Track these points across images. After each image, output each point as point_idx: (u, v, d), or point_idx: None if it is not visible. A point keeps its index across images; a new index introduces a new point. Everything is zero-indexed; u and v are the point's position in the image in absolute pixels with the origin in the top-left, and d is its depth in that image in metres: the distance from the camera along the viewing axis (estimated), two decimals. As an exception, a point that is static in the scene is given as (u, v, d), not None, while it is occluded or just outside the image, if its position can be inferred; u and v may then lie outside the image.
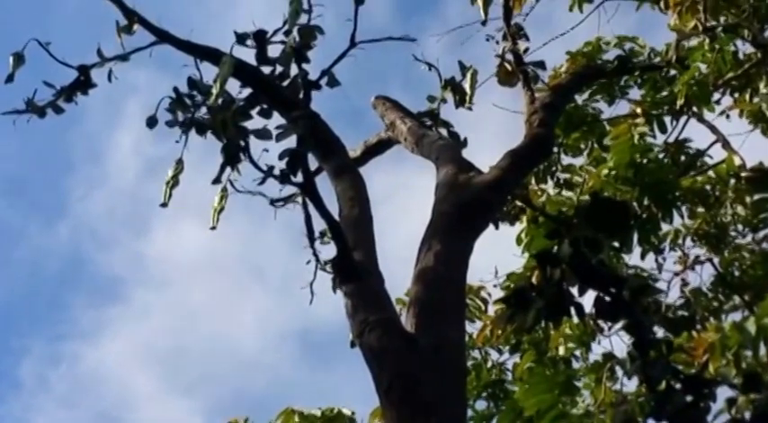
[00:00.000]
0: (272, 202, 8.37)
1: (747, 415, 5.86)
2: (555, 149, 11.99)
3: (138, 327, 27.96)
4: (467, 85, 10.35)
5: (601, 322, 7.75)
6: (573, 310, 6.26)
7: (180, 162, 8.18)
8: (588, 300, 6.27)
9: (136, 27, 8.52)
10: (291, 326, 27.08)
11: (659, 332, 6.29)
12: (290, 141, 6.99)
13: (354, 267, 7.15)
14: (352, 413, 12.33)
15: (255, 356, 26.21)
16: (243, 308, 26.48)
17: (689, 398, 6.08)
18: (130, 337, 27.85)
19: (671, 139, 12.51)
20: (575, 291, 6.25)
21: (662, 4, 12.58)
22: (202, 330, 26.69)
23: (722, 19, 12.29)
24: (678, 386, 6.09)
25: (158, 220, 27.10)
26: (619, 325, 6.28)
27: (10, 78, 8.62)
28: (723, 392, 6.58)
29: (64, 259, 27.50)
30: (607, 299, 6.23)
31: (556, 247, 6.29)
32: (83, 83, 8.63)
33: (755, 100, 12.65)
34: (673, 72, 12.11)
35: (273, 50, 7.86)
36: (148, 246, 27.22)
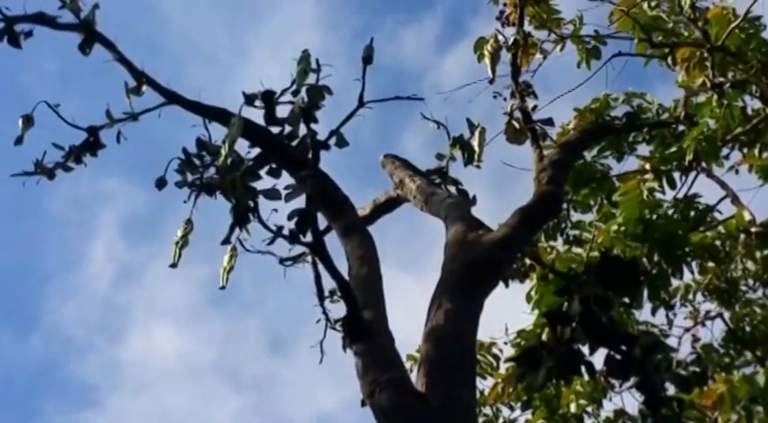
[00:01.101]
0: (282, 261, 8.38)
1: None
2: (564, 206, 12.00)
3: (113, 432, 27.82)
4: (475, 143, 10.37)
5: (612, 380, 7.70)
6: (584, 369, 6.24)
7: (189, 222, 8.16)
8: (599, 357, 6.26)
9: (144, 88, 8.57)
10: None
11: (671, 389, 6.28)
12: (300, 201, 7.00)
13: (364, 327, 7.12)
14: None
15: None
16: (218, 411, 26.45)
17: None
18: (105, 442, 27.68)
19: (680, 195, 12.52)
20: (585, 349, 6.23)
21: (670, 61, 12.65)
22: (178, 435, 26.67)
23: (730, 75, 12.34)
24: (691, 444, 6.07)
25: (133, 326, 27.16)
26: (630, 383, 6.25)
27: (19, 141, 8.66)
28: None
29: (37, 368, 27.34)
30: (618, 357, 6.21)
31: (566, 305, 6.28)
32: (92, 144, 8.67)
33: (764, 155, 12.69)
34: (681, 128, 12.13)
35: (282, 110, 7.90)
36: (123, 351, 27.31)
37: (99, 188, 25.28)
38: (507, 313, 12.69)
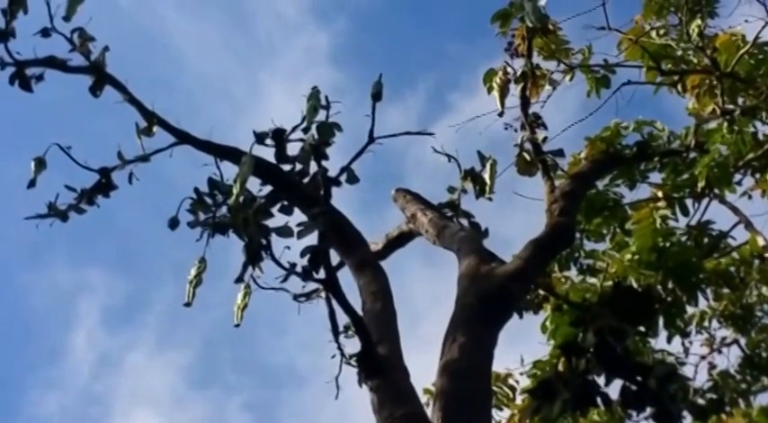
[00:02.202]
0: (296, 297, 8.38)
1: None
2: (577, 236, 11.98)
3: None
4: (486, 175, 10.38)
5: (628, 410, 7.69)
6: (599, 400, 6.24)
7: (203, 261, 8.18)
8: (615, 388, 6.26)
9: (155, 129, 8.62)
10: None
11: (688, 418, 6.27)
12: (312, 238, 7.02)
13: (379, 362, 7.14)
14: None
15: None
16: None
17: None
18: None
19: (693, 222, 12.49)
20: (600, 380, 6.23)
21: (679, 88, 12.66)
22: None
23: (740, 101, 12.33)
24: (709, 473, 6.05)
25: (114, 415, 27.10)
26: (646, 413, 6.25)
27: (32, 184, 8.70)
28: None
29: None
30: (633, 387, 6.22)
31: (580, 336, 6.29)
32: (104, 185, 8.71)
33: (777, 180, 12.67)
34: (693, 154, 12.11)
35: (293, 147, 7.93)
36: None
37: (79, 279, 25.61)
38: (523, 343, 12.68)
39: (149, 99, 8.78)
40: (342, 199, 7.89)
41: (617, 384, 6.23)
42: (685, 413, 6.26)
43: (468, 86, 11.72)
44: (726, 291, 12.74)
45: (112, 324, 25.71)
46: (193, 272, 8.16)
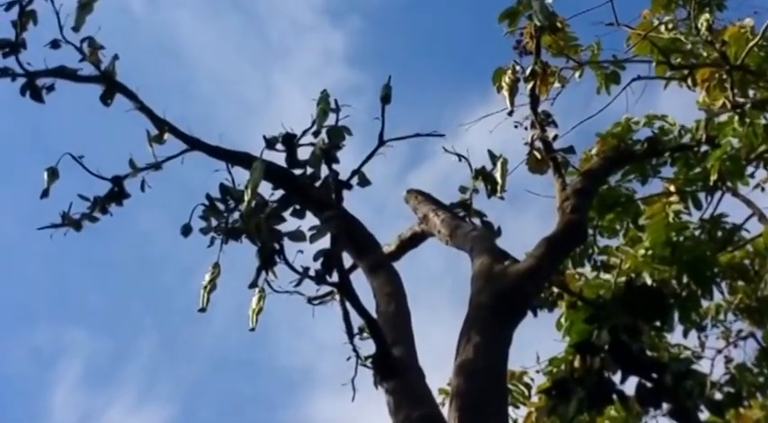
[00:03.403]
0: (310, 300, 8.41)
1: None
2: (590, 232, 11.99)
3: None
4: (497, 174, 10.38)
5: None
6: (615, 398, 6.24)
7: (216, 266, 8.20)
8: (631, 385, 6.26)
9: (167, 136, 8.65)
10: None
11: (705, 413, 6.27)
12: (325, 241, 7.04)
13: (394, 364, 7.15)
14: None
15: None
16: None
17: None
18: None
19: (706, 216, 12.51)
20: (616, 378, 6.24)
21: (690, 82, 12.65)
22: None
23: (750, 93, 12.32)
24: (727, 468, 6.05)
25: None
26: (663, 410, 6.25)
27: (45, 194, 8.73)
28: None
29: None
30: (649, 385, 6.22)
31: (595, 334, 6.29)
32: (117, 194, 8.75)
33: (789, 172, 12.66)
34: (705, 148, 12.11)
35: (304, 151, 7.95)
36: None
37: (61, 339, 25.70)
38: (539, 341, 12.69)
39: (164, 105, 8.82)
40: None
41: (633, 381, 6.24)
42: (702, 408, 6.26)
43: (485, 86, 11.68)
44: (741, 284, 12.73)
45: (92, 382, 25.76)
46: (207, 277, 8.17)
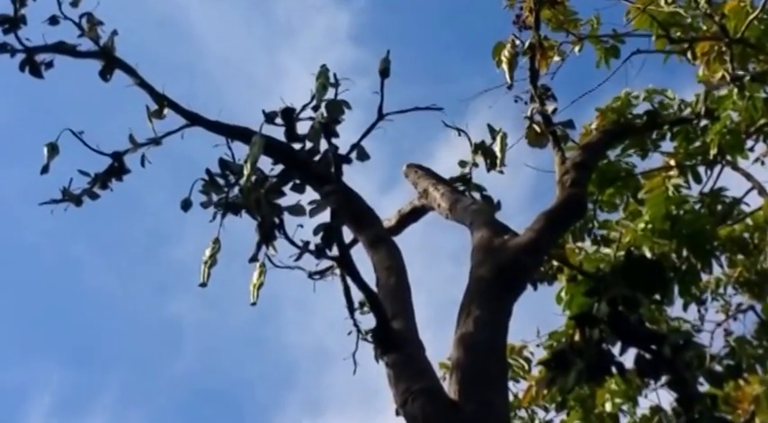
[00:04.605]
0: (311, 275, 8.42)
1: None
2: (590, 206, 12.01)
3: None
4: (497, 149, 10.38)
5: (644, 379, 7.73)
6: (614, 370, 6.27)
7: (217, 241, 8.22)
8: (630, 357, 6.29)
9: (166, 111, 8.65)
10: None
11: (704, 385, 6.29)
12: (324, 215, 7.06)
13: (394, 337, 7.18)
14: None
15: None
16: None
17: (737, 450, 6.06)
18: None
19: (706, 189, 12.53)
20: (615, 349, 6.26)
21: (689, 56, 12.64)
22: None
23: (751, 66, 12.31)
24: (726, 439, 6.07)
25: None
26: (662, 381, 6.27)
27: (45, 169, 8.74)
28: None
29: None
30: (648, 356, 6.24)
31: (595, 306, 6.31)
32: (117, 169, 8.76)
33: (789, 145, 12.66)
34: (704, 122, 12.11)
35: (303, 126, 7.96)
36: None
37: (30, 374, 25.70)
38: (539, 315, 12.72)
39: (169, 84, 8.83)
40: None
41: (632, 353, 6.27)
42: (701, 380, 6.28)
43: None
44: (740, 257, 12.75)
45: (62, 416, 25.81)
46: (208, 252, 8.20)
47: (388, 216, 10.03)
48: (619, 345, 6.23)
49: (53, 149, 8.69)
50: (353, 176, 8.31)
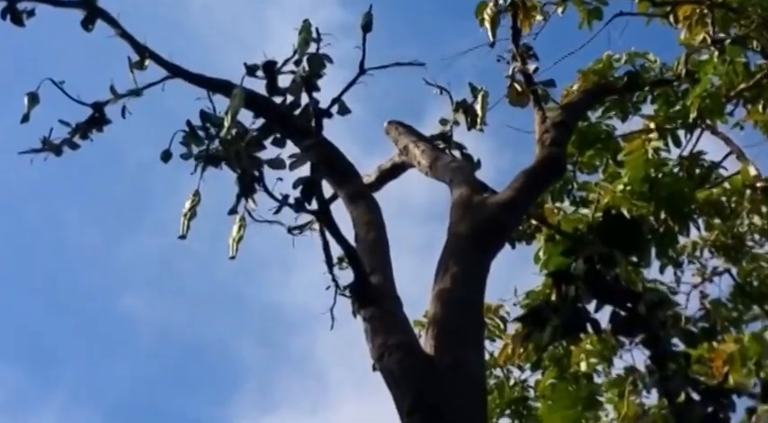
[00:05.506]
0: (290, 229, 8.44)
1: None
2: (570, 167, 12.04)
3: None
4: (478, 107, 10.40)
5: (619, 337, 7.80)
6: (589, 327, 6.32)
7: (197, 194, 8.22)
8: (605, 315, 6.33)
9: (147, 62, 8.62)
10: None
11: (678, 345, 6.34)
12: (305, 170, 7.06)
13: (372, 292, 7.20)
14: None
15: None
16: None
17: (709, 409, 6.12)
18: None
19: (685, 153, 12.55)
20: (591, 307, 6.30)
21: (671, 19, 12.64)
22: None
23: (732, 31, 12.32)
24: (698, 397, 6.13)
25: None
26: (637, 339, 6.32)
27: (25, 118, 8.71)
28: (743, 402, 6.61)
29: None
30: (623, 314, 6.29)
31: (573, 264, 6.35)
32: (97, 120, 8.73)
33: (768, 110, 12.68)
34: (685, 86, 12.13)
35: (284, 80, 7.95)
36: None
37: None
38: (516, 275, 12.76)
39: (153, 39, 8.77)
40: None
41: (607, 312, 6.31)
42: (676, 340, 6.33)
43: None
44: (717, 221, 12.81)
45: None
46: (188, 205, 8.19)
47: (368, 172, 10.05)
48: (594, 302, 6.28)
49: (33, 99, 8.66)
50: (338, 136, 8.33)
